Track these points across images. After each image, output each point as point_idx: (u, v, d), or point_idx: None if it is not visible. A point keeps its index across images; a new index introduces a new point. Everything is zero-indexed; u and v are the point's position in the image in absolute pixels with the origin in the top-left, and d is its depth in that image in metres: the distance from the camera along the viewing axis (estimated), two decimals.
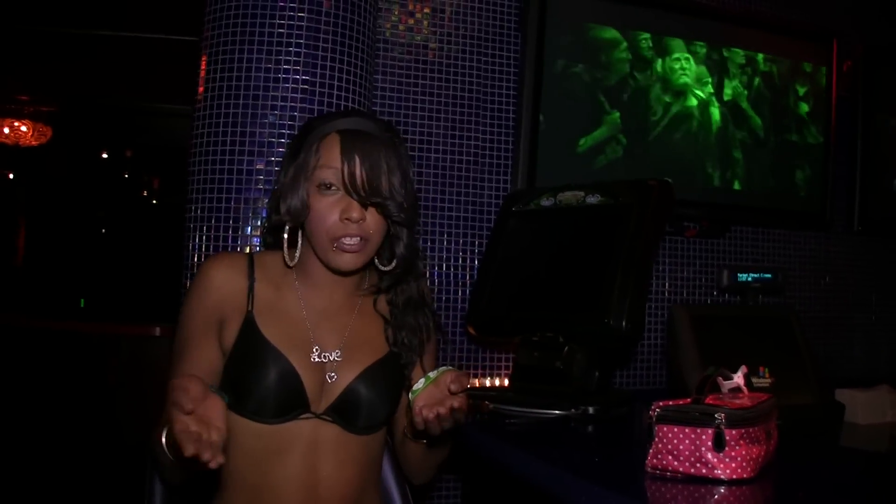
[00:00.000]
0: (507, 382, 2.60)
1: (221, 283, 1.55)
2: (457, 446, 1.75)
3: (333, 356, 1.59)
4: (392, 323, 1.68)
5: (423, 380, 1.50)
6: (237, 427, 1.50)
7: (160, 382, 3.79)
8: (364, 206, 1.52)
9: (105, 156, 7.40)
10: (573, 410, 1.97)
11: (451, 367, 1.52)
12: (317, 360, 1.57)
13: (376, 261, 1.64)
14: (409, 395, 1.51)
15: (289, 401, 1.52)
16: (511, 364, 2.53)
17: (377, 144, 1.53)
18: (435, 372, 1.50)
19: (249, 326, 1.53)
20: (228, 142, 2.28)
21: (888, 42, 3.51)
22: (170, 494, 1.64)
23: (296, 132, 2.21)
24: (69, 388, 4.16)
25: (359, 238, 1.51)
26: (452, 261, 2.73)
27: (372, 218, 1.53)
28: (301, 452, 1.54)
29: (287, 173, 1.57)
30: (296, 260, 1.58)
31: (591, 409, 1.99)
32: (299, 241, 1.59)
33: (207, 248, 2.28)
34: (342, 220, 1.50)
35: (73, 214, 7.04)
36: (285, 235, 1.57)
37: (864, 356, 3.49)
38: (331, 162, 1.51)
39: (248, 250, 2.22)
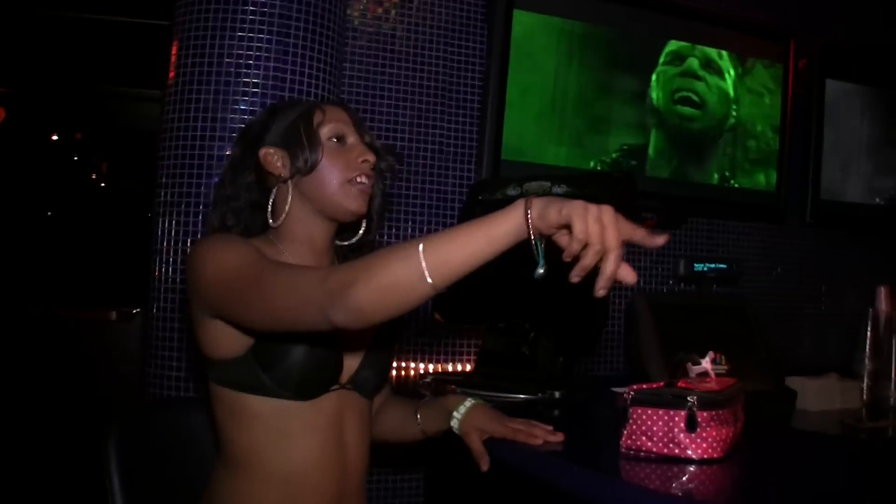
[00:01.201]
0: (469, 368, 2.65)
1: (248, 245, 1.49)
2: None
3: None
4: None
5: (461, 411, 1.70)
6: (262, 408, 1.50)
7: (112, 367, 3.79)
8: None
9: (55, 138, 7.29)
10: (540, 395, 2.03)
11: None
12: None
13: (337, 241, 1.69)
14: (453, 421, 1.69)
15: (326, 374, 1.54)
16: (475, 350, 2.58)
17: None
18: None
19: None
20: (199, 127, 2.29)
21: (843, 41, 3.62)
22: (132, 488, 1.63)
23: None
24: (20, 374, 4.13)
25: (368, 183, 1.58)
26: None
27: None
28: (329, 428, 1.55)
29: (258, 149, 1.58)
30: (284, 216, 1.58)
31: (557, 394, 2.05)
32: (276, 204, 1.59)
33: (177, 233, 2.30)
34: (359, 162, 1.56)
35: (21, 197, 6.93)
36: (272, 198, 1.59)
37: (813, 345, 3.60)
38: (339, 117, 1.60)
39: None
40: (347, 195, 1.56)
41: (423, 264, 1.18)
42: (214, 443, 1.61)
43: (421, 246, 1.18)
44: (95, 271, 6.13)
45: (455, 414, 1.68)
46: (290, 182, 1.56)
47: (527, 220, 1.18)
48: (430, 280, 1.18)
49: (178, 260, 2.29)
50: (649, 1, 3.13)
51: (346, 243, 1.69)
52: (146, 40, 4.95)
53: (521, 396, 2.01)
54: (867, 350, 2.27)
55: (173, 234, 2.30)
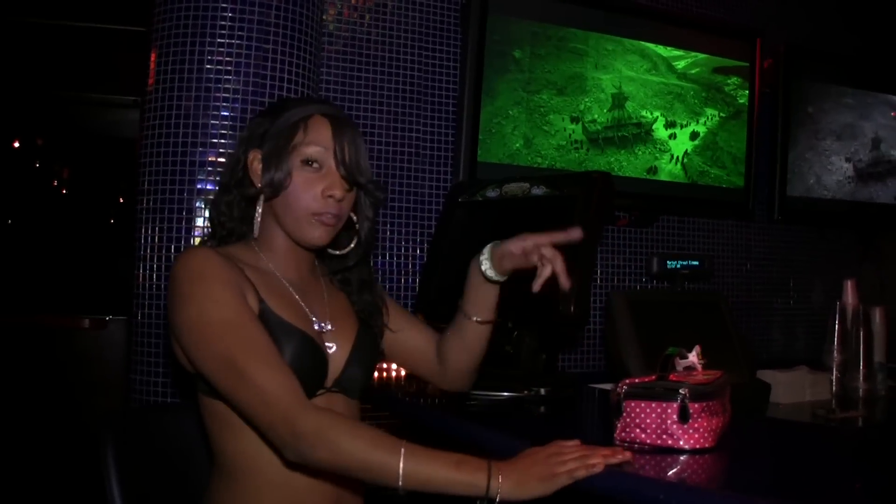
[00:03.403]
0: None
1: (229, 268, 1.49)
2: (418, 431, 1.82)
3: (328, 326, 1.62)
4: (352, 299, 1.75)
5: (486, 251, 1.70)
6: None
7: (87, 375, 3.77)
8: (349, 186, 1.58)
9: (17, 144, 7.21)
10: (525, 392, 2.07)
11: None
12: (320, 330, 1.60)
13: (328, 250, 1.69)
14: (482, 262, 1.69)
15: (314, 378, 1.53)
16: None
17: (356, 130, 1.61)
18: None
19: (266, 313, 1.51)
20: (181, 133, 2.31)
21: (807, 40, 3.71)
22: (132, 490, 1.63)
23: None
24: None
25: (333, 215, 1.56)
26: (396, 250, 2.80)
27: (347, 201, 1.59)
28: None
29: (251, 148, 1.60)
30: (263, 233, 1.60)
31: (542, 391, 2.09)
32: (257, 218, 1.60)
33: (160, 239, 2.31)
34: (324, 197, 1.54)
35: None
36: (259, 209, 1.59)
37: (782, 338, 3.69)
38: (320, 141, 1.56)
39: (195, 243, 2.29)
40: (308, 225, 1.56)
41: (399, 480, 1.30)
42: (207, 451, 1.61)
43: (401, 472, 1.29)
44: (58, 279, 6.07)
45: (482, 262, 1.70)
46: (261, 196, 1.58)
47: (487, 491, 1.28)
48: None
49: (162, 266, 2.29)
50: (619, 4, 3.19)
51: (337, 252, 1.70)
52: (109, 46, 4.93)
53: (507, 394, 2.05)
54: (835, 343, 2.31)
55: (156, 240, 2.31)
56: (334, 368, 1.60)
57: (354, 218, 1.67)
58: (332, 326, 1.64)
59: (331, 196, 1.55)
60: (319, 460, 1.34)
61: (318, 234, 1.57)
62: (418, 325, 1.89)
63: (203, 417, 1.57)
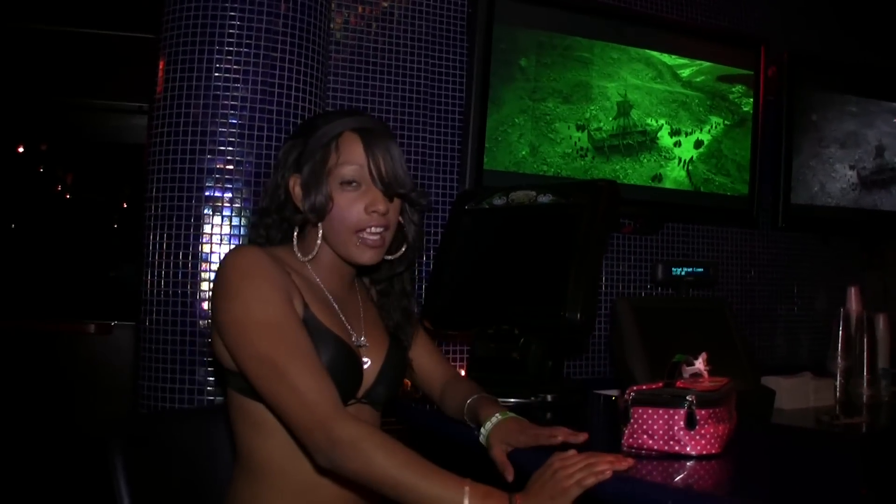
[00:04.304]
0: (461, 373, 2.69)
1: (277, 270, 1.51)
2: (424, 437, 1.84)
3: (363, 341, 1.65)
4: (386, 310, 1.78)
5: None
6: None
7: (92, 380, 3.78)
8: (390, 198, 1.60)
9: (21, 150, 7.22)
10: (533, 398, 2.08)
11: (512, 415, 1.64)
12: (356, 344, 1.63)
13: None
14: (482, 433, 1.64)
15: (348, 388, 1.55)
16: (464, 355, 2.62)
17: (389, 139, 1.62)
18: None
19: (309, 319, 1.53)
20: (189, 141, 2.32)
21: (812, 49, 3.74)
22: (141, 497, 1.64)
23: (255, 132, 2.29)
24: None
25: (382, 228, 1.59)
26: None
27: (392, 211, 1.61)
28: None
29: (290, 173, 1.62)
30: (313, 254, 1.62)
31: (549, 397, 2.10)
32: (305, 237, 1.64)
33: (168, 246, 2.31)
34: (367, 213, 1.56)
35: None
36: (312, 231, 1.62)
37: (786, 345, 3.69)
38: (353, 159, 1.57)
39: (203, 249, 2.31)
40: (356, 247, 1.59)
41: None
42: (233, 450, 1.63)
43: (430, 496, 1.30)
44: (62, 284, 6.08)
45: (483, 430, 1.65)
46: (307, 222, 1.61)
47: None
48: None
49: (170, 273, 2.30)
50: (624, 13, 3.21)
51: (388, 258, 1.71)
52: (113, 52, 4.95)
53: (513, 400, 2.06)
54: (839, 349, 2.31)
55: (164, 247, 2.32)
56: (366, 381, 1.63)
57: (402, 221, 1.69)
58: (366, 342, 1.67)
59: (374, 211, 1.57)
60: (351, 470, 1.35)
61: (367, 257, 1.60)
62: (437, 360, 1.93)
63: (232, 416, 1.59)
